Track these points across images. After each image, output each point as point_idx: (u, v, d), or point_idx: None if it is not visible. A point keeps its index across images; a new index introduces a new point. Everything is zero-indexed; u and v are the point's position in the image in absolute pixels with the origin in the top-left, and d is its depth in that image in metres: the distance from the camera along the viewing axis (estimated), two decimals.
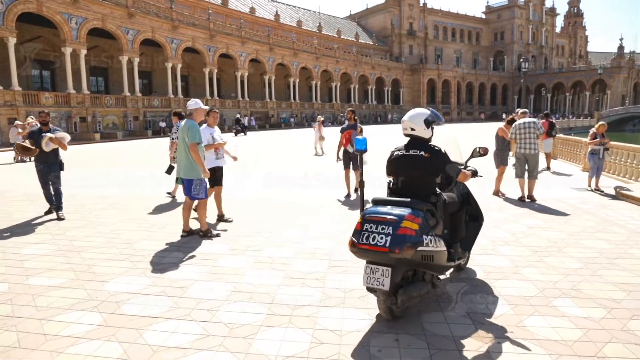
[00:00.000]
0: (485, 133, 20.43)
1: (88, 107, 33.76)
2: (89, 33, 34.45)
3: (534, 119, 8.87)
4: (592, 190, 9.61)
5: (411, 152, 3.78)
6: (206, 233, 6.17)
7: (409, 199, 3.58)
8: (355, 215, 7.49)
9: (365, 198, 3.90)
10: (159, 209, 8.16)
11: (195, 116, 6.16)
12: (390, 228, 3.28)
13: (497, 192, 9.13)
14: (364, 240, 3.33)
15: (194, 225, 6.48)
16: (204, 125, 6.84)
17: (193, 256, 5.34)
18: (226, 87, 52.52)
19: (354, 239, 3.40)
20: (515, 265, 4.90)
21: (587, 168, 10.86)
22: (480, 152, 4.38)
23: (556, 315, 3.67)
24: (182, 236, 6.21)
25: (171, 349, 3.20)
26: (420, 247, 3.30)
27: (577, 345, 3.20)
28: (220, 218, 7.14)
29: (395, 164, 3.89)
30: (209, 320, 3.63)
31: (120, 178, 12.55)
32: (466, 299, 4.03)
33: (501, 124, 10.00)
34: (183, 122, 6.14)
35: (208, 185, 6.42)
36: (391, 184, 3.99)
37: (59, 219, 7.29)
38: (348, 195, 9.10)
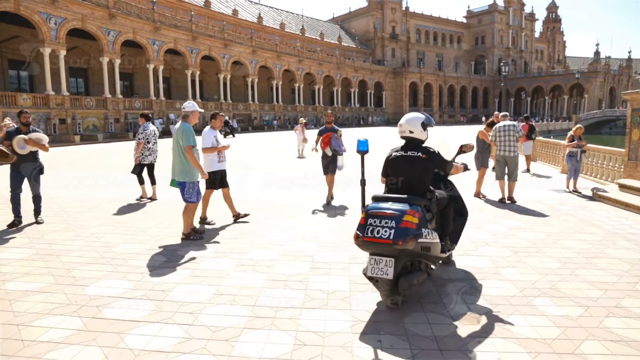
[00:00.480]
0: (466, 136, 20.64)
1: (68, 108, 33.06)
2: (68, 34, 33.82)
3: (514, 122, 9.04)
4: (570, 192, 9.82)
5: (409, 153, 4.07)
6: (188, 236, 6.13)
7: (406, 196, 3.82)
8: (340, 218, 7.55)
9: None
10: (140, 212, 8.06)
11: (191, 119, 6.11)
12: (393, 222, 3.52)
13: (477, 194, 9.27)
14: (369, 233, 3.56)
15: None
16: (208, 128, 6.90)
17: (175, 259, 5.28)
18: (209, 89, 52.15)
19: (358, 233, 3.63)
20: (495, 266, 4.98)
21: (566, 170, 11.09)
22: (465, 150, 4.70)
23: (535, 314, 3.75)
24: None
25: (153, 352, 3.17)
26: (420, 239, 3.55)
27: (556, 343, 3.26)
28: (203, 220, 7.09)
29: (393, 164, 4.15)
30: (191, 324, 3.60)
31: (101, 180, 12.34)
32: (448, 299, 4.08)
33: (481, 127, 10.15)
34: (177, 125, 6.08)
35: (204, 189, 6.45)
36: (389, 182, 4.21)
37: (37, 222, 7.08)
38: (331, 198, 9.06)
